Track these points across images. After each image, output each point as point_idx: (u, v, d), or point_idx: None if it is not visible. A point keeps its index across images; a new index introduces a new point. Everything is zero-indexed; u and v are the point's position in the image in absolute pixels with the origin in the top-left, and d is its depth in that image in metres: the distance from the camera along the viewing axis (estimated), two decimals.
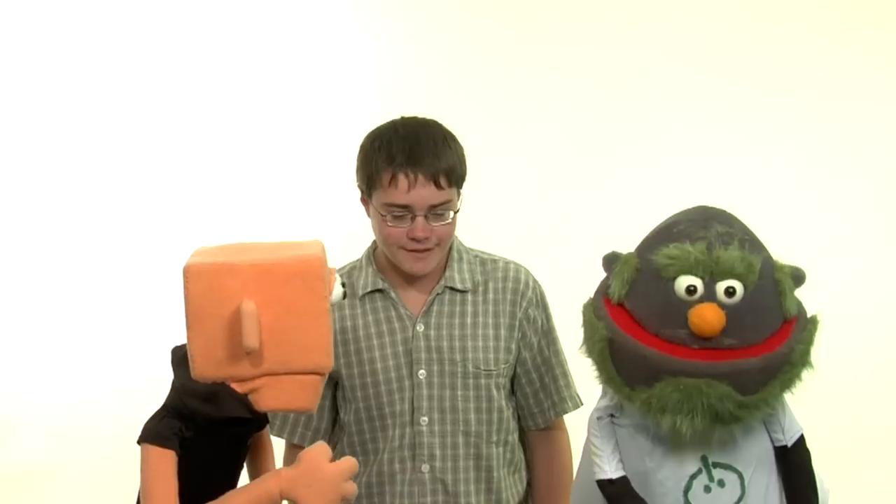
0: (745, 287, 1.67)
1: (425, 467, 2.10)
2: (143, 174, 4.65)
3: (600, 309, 1.76)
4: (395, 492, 2.10)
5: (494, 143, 4.30)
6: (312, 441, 2.13)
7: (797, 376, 1.69)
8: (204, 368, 1.52)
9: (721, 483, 1.75)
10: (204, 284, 1.49)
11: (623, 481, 1.78)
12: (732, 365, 1.64)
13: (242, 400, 1.56)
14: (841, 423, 3.88)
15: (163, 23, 4.67)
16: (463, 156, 2.08)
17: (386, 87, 4.57)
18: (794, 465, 1.78)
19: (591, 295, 1.81)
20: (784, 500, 1.79)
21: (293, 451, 2.16)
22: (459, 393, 2.09)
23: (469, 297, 2.13)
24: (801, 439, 1.79)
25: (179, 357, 1.61)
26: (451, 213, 2.03)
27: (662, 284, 1.70)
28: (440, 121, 2.11)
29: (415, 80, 4.56)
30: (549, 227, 4.46)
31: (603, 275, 1.82)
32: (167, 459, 1.56)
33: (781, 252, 1.78)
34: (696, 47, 4.71)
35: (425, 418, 2.09)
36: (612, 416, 1.83)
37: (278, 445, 1.98)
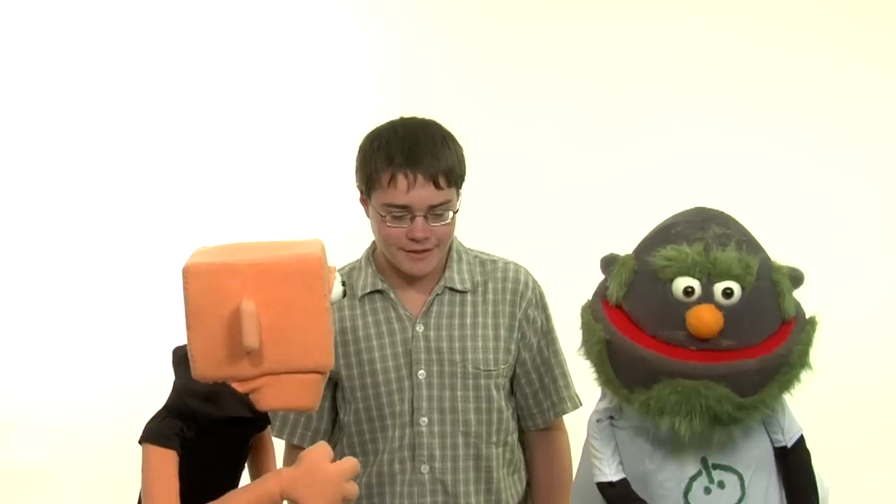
0: (743, 288, 1.67)
1: (425, 468, 2.10)
2: (144, 175, 4.65)
3: (598, 311, 1.76)
4: (395, 492, 2.10)
5: (494, 143, 4.30)
6: (312, 442, 2.14)
7: (796, 377, 1.69)
8: (204, 368, 1.52)
9: (721, 484, 1.75)
10: (203, 284, 1.49)
11: (623, 483, 1.78)
12: (730, 366, 1.64)
13: (243, 400, 1.56)
14: (841, 423, 3.88)
15: (163, 23, 4.67)
16: (462, 156, 2.08)
17: (386, 87, 4.57)
18: (794, 465, 1.78)
19: (590, 297, 1.81)
20: (784, 501, 1.79)
21: (293, 451, 2.16)
22: (459, 393, 2.09)
23: (469, 297, 2.13)
24: (801, 440, 1.79)
25: (180, 357, 1.61)
26: (451, 214, 2.03)
27: (660, 286, 1.70)
28: (440, 121, 2.11)
29: (415, 80, 4.56)
30: (549, 227, 4.46)
31: (601, 277, 1.82)
32: (168, 459, 1.56)
33: (781, 252, 1.78)
34: (696, 47, 4.71)
35: (425, 419, 2.09)
36: (611, 418, 1.83)
37: (279, 446, 1.98)
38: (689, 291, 1.67)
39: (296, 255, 1.53)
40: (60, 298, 4.58)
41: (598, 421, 1.83)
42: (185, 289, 1.49)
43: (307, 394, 1.56)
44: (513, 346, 2.14)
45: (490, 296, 2.14)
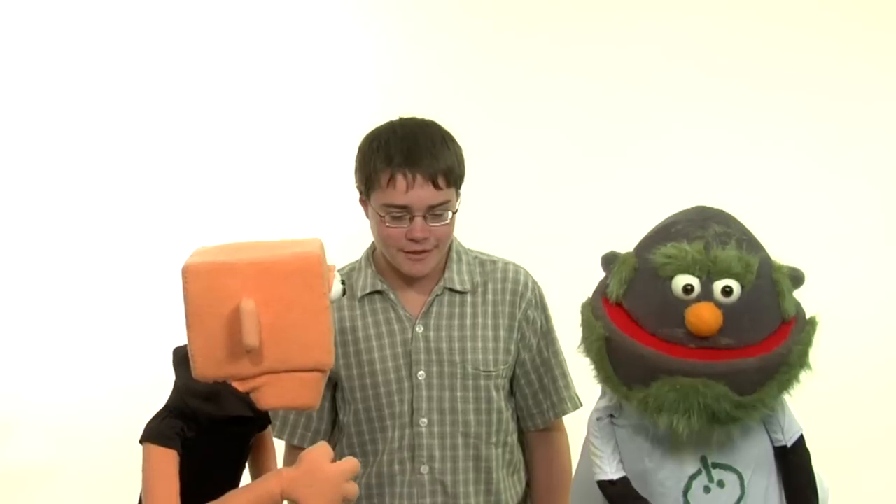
0: (743, 287, 1.67)
1: (424, 468, 2.10)
2: (144, 175, 4.65)
3: (598, 308, 1.76)
4: (395, 493, 2.10)
5: (494, 143, 4.30)
6: (312, 442, 2.14)
7: (795, 377, 1.69)
8: (205, 368, 1.52)
9: (721, 483, 1.75)
10: (203, 284, 1.49)
11: (624, 482, 1.78)
12: (729, 365, 1.64)
13: (244, 399, 1.56)
14: (841, 423, 3.88)
15: (163, 23, 4.67)
16: (461, 156, 2.08)
17: (386, 87, 4.57)
18: (793, 465, 1.78)
19: (590, 295, 1.82)
20: (784, 501, 1.79)
21: (293, 452, 2.16)
22: (459, 394, 2.09)
23: (468, 298, 2.13)
24: (801, 439, 1.79)
25: (180, 357, 1.61)
26: (450, 214, 2.03)
27: (660, 283, 1.70)
28: (440, 121, 2.11)
29: (415, 80, 4.57)
30: (549, 227, 4.46)
31: (602, 275, 1.82)
32: (169, 459, 1.56)
33: (781, 252, 1.78)
34: (697, 47, 4.71)
35: (424, 419, 2.09)
36: (611, 416, 1.83)
37: (280, 446, 1.98)
38: (688, 289, 1.67)
39: (295, 253, 1.53)
40: (60, 298, 4.58)
41: (598, 419, 1.83)
42: (185, 288, 1.49)
43: (308, 392, 1.56)
44: (512, 347, 2.14)
45: (490, 296, 2.14)
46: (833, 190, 4.71)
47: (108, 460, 3.80)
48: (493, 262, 2.18)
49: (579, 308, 1.80)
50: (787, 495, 1.78)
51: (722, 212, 1.78)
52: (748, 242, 1.72)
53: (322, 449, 1.61)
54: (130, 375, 4.28)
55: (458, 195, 2.07)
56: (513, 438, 2.19)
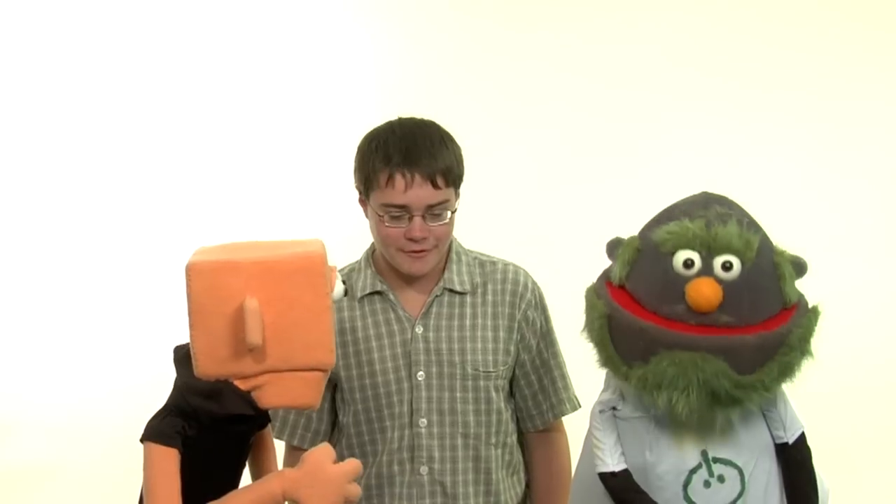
0: (743, 264, 1.68)
1: (424, 469, 2.10)
2: (144, 174, 4.65)
3: (601, 289, 1.78)
4: (394, 493, 2.10)
5: (494, 143, 4.30)
6: (312, 443, 2.14)
7: (795, 362, 1.69)
8: (207, 366, 1.52)
9: (721, 478, 1.75)
10: (206, 282, 1.49)
11: (625, 474, 1.79)
12: (728, 340, 1.65)
13: (245, 397, 1.57)
14: (841, 422, 3.88)
15: (163, 23, 4.67)
16: (460, 156, 2.08)
17: (386, 88, 4.57)
18: (794, 462, 1.79)
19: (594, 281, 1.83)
20: (784, 498, 1.79)
21: (293, 453, 2.17)
22: (458, 395, 2.09)
23: (468, 298, 2.13)
24: (802, 437, 1.79)
25: (182, 355, 1.61)
26: (449, 214, 2.03)
27: (661, 260, 1.71)
28: (439, 121, 2.11)
29: (415, 80, 4.57)
30: (549, 227, 4.46)
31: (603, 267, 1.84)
32: (170, 458, 1.57)
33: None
34: (696, 47, 4.71)
35: (424, 420, 2.09)
36: (613, 409, 1.83)
37: (280, 446, 1.98)
38: (688, 264, 1.69)
39: (298, 253, 1.54)
40: (60, 298, 4.58)
41: (600, 412, 1.84)
42: (188, 287, 1.50)
43: (309, 391, 1.56)
44: (512, 348, 2.14)
45: (489, 297, 2.14)
46: (833, 190, 4.71)
47: (108, 460, 3.80)
48: (493, 262, 2.18)
49: (578, 311, 1.81)
50: (788, 492, 1.79)
51: (725, 197, 1.80)
52: (749, 223, 1.74)
53: (324, 450, 1.61)
54: (130, 375, 4.28)
55: (457, 195, 2.07)
56: (512, 439, 2.19)
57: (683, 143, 4.64)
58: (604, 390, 1.87)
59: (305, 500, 1.56)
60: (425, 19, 4.69)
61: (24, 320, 4.56)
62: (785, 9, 4.73)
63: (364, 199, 2.08)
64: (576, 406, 2.24)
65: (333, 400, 2.17)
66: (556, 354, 2.22)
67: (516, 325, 2.14)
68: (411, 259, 2.04)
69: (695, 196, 1.81)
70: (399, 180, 1.98)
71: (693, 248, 1.69)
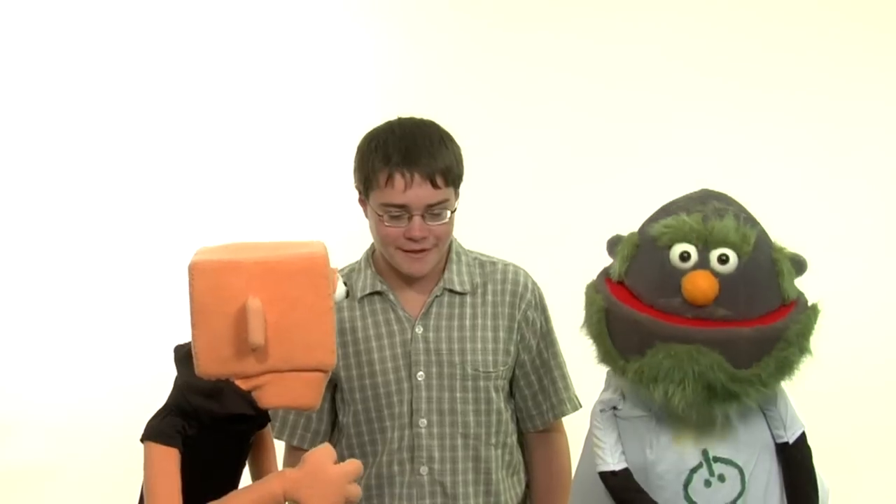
0: (740, 257, 1.69)
1: (424, 469, 2.10)
2: (144, 174, 4.65)
3: (600, 285, 1.79)
4: (394, 494, 2.11)
5: (493, 143, 4.29)
6: (312, 443, 2.14)
7: (793, 358, 1.69)
8: (208, 365, 1.53)
9: (721, 478, 1.75)
10: (209, 282, 1.50)
11: (626, 473, 1.79)
12: (724, 332, 1.65)
13: (246, 397, 1.57)
14: (841, 422, 3.88)
15: (163, 23, 4.67)
16: (460, 155, 2.08)
17: (386, 88, 4.57)
18: (794, 462, 1.79)
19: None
20: (784, 497, 1.79)
21: (293, 453, 2.17)
22: (458, 395, 2.09)
23: (468, 299, 2.13)
24: (803, 437, 1.80)
25: (182, 355, 1.62)
26: (448, 213, 2.04)
27: (658, 254, 1.72)
28: (439, 121, 2.12)
29: (414, 80, 4.56)
30: (549, 227, 4.46)
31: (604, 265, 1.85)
32: (170, 457, 1.57)
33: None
34: (697, 47, 4.70)
35: (424, 420, 2.09)
36: (614, 408, 1.83)
37: (280, 446, 1.98)
38: (684, 257, 1.69)
39: (301, 253, 1.54)
40: (60, 298, 4.57)
41: (601, 411, 1.84)
42: (191, 286, 1.50)
43: (309, 392, 1.57)
44: (512, 348, 2.14)
45: (489, 297, 2.14)
46: (833, 190, 4.70)
47: (108, 460, 3.79)
48: (493, 263, 2.18)
49: (582, 299, 1.82)
50: (788, 492, 1.79)
51: (724, 194, 1.81)
52: (747, 218, 1.75)
53: (325, 450, 1.61)
54: (130, 375, 4.28)
55: (456, 195, 2.07)
56: (512, 439, 2.19)
57: (683, 143, 4.64)
58: (604, 390, 1.87)
59: (306, 501, 1.56)
60: (425, 19, 4.69)
61: (24, 320, 4.55)
62: (785, 9, 4.73)
63: (364, 199, 2.08)
64: (576, 406, 2.24)
65: (333, 400, 2.17)
66: (556, 355, 2.22)
67: (516, 325, 2.14)
68: (410, 259, 2.04)
69: (694, 192, 1.82)
70: (398, 180, 1.98)
71: (689, 242, 1.70)
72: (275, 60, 4.74)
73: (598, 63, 4.70)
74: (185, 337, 1.57)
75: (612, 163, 4.64)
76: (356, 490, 1.60)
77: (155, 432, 1.58)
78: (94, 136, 4.67)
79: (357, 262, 2.18)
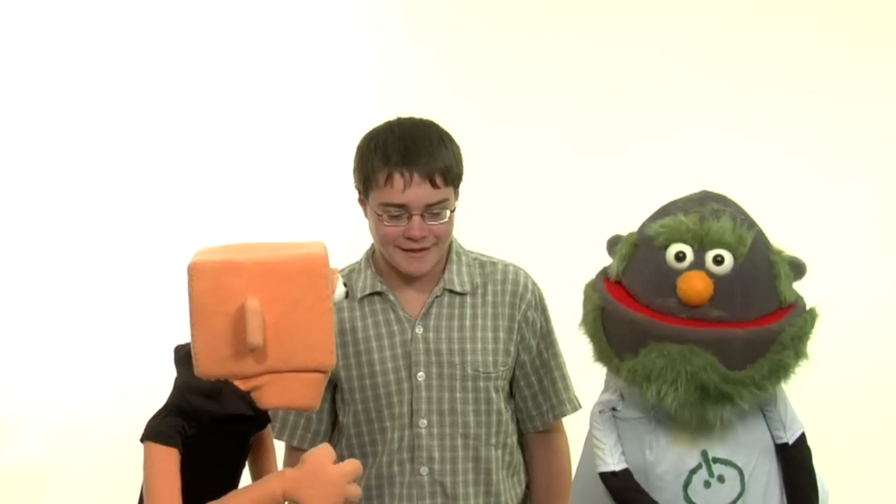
0: (735, 258, 1.69)
1: (424, 469, 2.10)
2: (144, 174, 4.65)
3: (598, 284, 1.80)
4: (394, 494, 2.11)
5: (493, 143, 4.29)
6: (312, 443, 2.14)
7: (788, 360, 1.69)
8: (207, 366, 1.53)
9: (721, 478, 1.75)
10: (208, 282, 1.50)
11: (626, 474, 1.79)
12: (717, 333, 1.66)
13: (245, 397, 1.57)
14: (841, 422, 3.87)
15: (162, 23, 4.67)
16: (459, 155, 2.08)
17: (386, 87, 4.57)
18: (794, 462, 1.79)
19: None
20: (784, 498, 1.79)
21: (293, 453, 2.17)
22: (458, 395, 2.09)
23: (468, 299, 2.13)
24: (803, 437, 1.80)
25: (182, 355, 1.62)
26: (448, 213, 2.04)
27: (655, 254, 1.72)
28: (439, 121, 2.12)
29: (414, 81, 4.56)
30: (549, 228, 4.46)
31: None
32: (170, 457, 1.57)
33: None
34: (697, 47, 4.70)
35: (424, 420, 2.09)
36: (613, 409, 1.83)
37: (280, 446, 1.98)
38: (680, 257, 1.69)
39: (300, 254, 1.54)
40: (60, 298, 4.57)
41: (600, 412, 1.84)
42: (190, 286, 1.50)
43: (309, 393, 1.57)
44: (512, 349, 2.14)
45: (489, 298, 2.14)
46: (833, 190, 4.70)
47: (108, 460, 3.79)
48: (493, 263, 2.18)
49: (578, 310, 1.81)
50: (788, 493, 1.79)
51: (723, 195, 1.81)
52: (744, 219, 1.75)
53: (325, 450, 1.61)
54: (130, 375, 4.27)
55: (456, 194, 2.07)
56: (512, 440, 2.19)
57: (683, 143, 4.64)
58: (604, 391, 1.87)
59: (305, 501, 1.56)
60: (425, 19, 4.69)
61: (24, 320, 4.55)
62: (785, 9, 4.72)
63: (363, 199, 2.09)
64: (576, 406, 2.24)
65: (333, 400, 2.17)
66: (556, 355, 2.22)
67: (516, 325, 2.14)
68: (410, 258, 2.04)
69: (693, 194, 1.82)
70: (398, 179, 1.98)
71: (685, 242, 1.70)
72: (274, 60, 4.73)
73: (598, 63, 4.69)
74: (186, 337, 1.57)
75: (612, 163, 4.63)
76: (356, 490, 1.60)
77: (155, 432, 1.59)
78: (94, 136, 4.67)
79: (357, 263, 2.18)
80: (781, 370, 1.69)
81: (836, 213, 4.69)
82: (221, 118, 4.69)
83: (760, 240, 1.74)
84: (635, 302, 1.73)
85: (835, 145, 4.76)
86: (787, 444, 1.79)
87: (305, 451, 1.90)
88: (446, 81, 4.60)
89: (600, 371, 1.84)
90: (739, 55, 4.70)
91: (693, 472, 1.76)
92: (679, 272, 1.69)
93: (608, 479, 1.80)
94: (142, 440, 1.59)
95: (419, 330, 2.10)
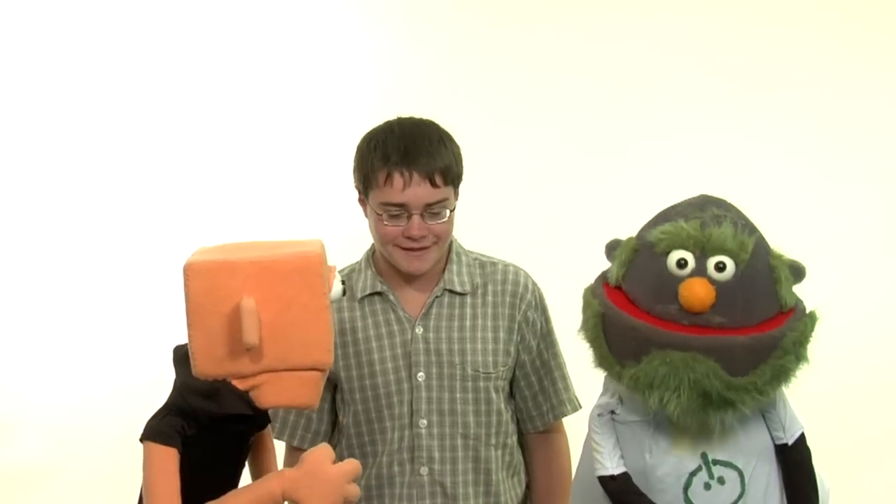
0: (737, 265, 1.69)
1: (424, 470, 2.10)
2: (143, 174, 4.65)
3: (598, 289, 1.80)
4: (394, 494, 2.10)
5: (493, 143, 4.29)
6: (312, 444, 2.14)
7: (790, 365, 1.69)
8: (205, 366, 1.53)
9: (721, 480, 1.75)
10: (204, 282, 1.50)
11: (625, 477, 1.79)
12: (720, 340, 1.66)
13: (243, 397, 1.57)
14: (841, 423, 3.87)
15: (162, 22, 4.67)
16: (459, 155, 2.08)
17: (386, 87, 4.57)
18: (794, 463, 1.79)
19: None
20: (784, 499, 1.79)
21: (294, 454, 2.17)
22: (458, 395, 2.09)
23: (468, 299, 2.13)
24: (802, 437, 1.80)
25: (181, 355, 1.62)
26: (448, 212, 2.04)
27: (656, 260, 1.72)
28: (439, 121, 2.12)
29: (414, 80, 4.56)
30: (549, 227, 4.46)
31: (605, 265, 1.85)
32: (169, 457, 1.57)
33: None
34: (697, 47, 4.70)
35: (424, 421, 2.09)
36: (612, 412, 1.83)
37: (280, 447, 1.98)
38: (682, 264, 1.69)
39: (296, 253, 1.54)
40: (60, 298, 4.57)
41: (599, 415, 1.84)
42: (186, 287, 1.50)
43: (307, 391, 1.56)
44: (512, 349, 2.14)
45: (490, 298, 2.14)
46: (833, 190, 4.70)
47: (108, 460, 3.79)
48: (493, 263, 2.18)
49: (579, 310, 1.81)
50: (788, 493, 1.79)
51: (724, 200, 1.81)
52: (745, 225, 1.74)
53: (323, 450, 1.61)
54: (130, 375, 4.27)
55: (456, 194, 2.07)
56: (513, 440, 2.19)
57: (683, 144, 4.64)
58: (602, 394, 1.87)
59: (304, 500, 1.56)
60: (425, 19, 4.69)
61: (24, 320, 4.55)
62: (785, 9, 4.72)
63: (363, 199, 2.09)
64: (576, 407, 2.24)
65: (334, 400, 2.17)
66: (556, 355, 2.22)
67: (516, 325, 2.14)
68: (410, 256, 2.04)
69: (693, 198, 1.82)
70: (397, 179, 1.98)
71: (687, 249, 1.70)
72: (275, 60, 4.73)
73: (598, 63, 4.69)
74: (185, 338, 1.57)
75: (612, 163, 4.63)
76: (355, 490, 1.60)
77: (154, 432, 1.59)
78: (93, 136, 4.67)
79: (357, 263, 2.18)
80: (783, 375, 1.69)
81: (835, 213, 4.69)
82: (222, 118, 4.69)
83: (761, 245, 1.74)
84: (636, 308, 1.72)
85: (835, 145, 4.76)
86: (786, 444, 1.79)
87: (306, 451, 1.90)
88: (446, 81, 4.60)
89: (600, 372, 1.84)
90: (739, 55, 4.71)
91: (693, 474, 1.76)
92: (680, 279, 1.69)
93: (607, 482, 1.80)
94: (141, 440, 1.60)
95: (419, 330, 2.10)
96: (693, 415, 1.67)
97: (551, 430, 2.23)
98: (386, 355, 2.10)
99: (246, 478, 1.73)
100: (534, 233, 4.35)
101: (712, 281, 1.68)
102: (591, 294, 1.80)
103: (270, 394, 1.55)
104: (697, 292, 1.66)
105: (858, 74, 4.76)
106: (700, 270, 1.69)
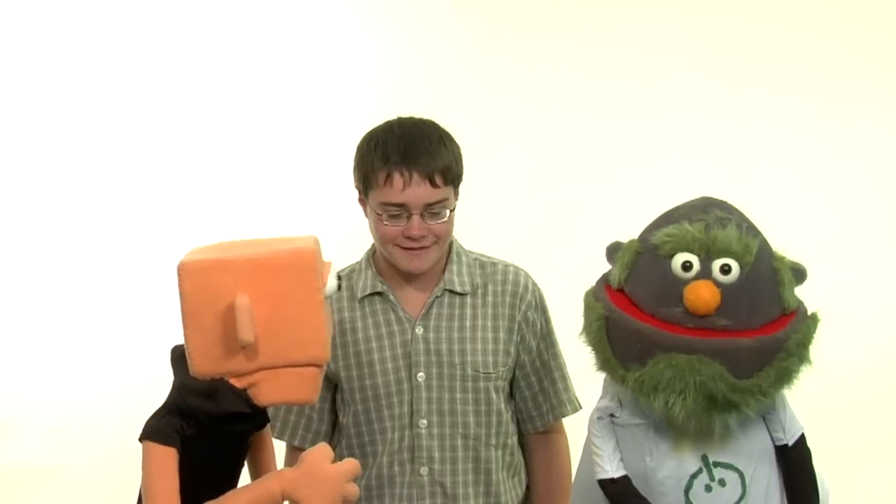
0: (742, 267, 1.69)
1: (424, 470, 2.10)
2: (142, 175, 4.65)
3: (600, 292, 1.79)
4: (394, 494, 2.10)
5: (493, 143, 4.30)
6: (312, 443, 2.13)
7: (793, 367, 1.69)
8: (202, 365, 1.53)
9: (722, 482, 1.75)
10: (197, 281, 1.50)
11: (625, 480, 1.79)
12: (725, 343, 1.65)
13: (242, 395, 1.57)
14: (841, 423, 3.88)
15: (162, 23, 4.67)
16: (459, 155, 2.08)
17: (386, 88, 4.57)
18: (794, 463, 1.79)
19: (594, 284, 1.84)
20: (785, 499, 1.79)
21: (294, 453, 2.17)
22: (458, 396, 2.09)
23: (468, 299, 2.12)
24: (802, 438, 1.80)
25: (179, 355, 1.62)
26: (448, 212, 2.03)
27: (660, 263, 1.72)
28: (439, 121, 2.11)
29: (414, 80, 4.57)
30: (549, 228, 4.46)
31: (605, 268, 1.84)
32: (169, 457, 1.57)
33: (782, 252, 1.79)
34: (697, 47, 4.71)
35: (424, 421, 2.09)
36: (612, 415, 1.83)
37: (280, 447, 1.98)
38: (687, 266, 1.69)
39: (288, 249, 1.54)
40: (60, 298, 4.58)
41: (598, 418, 1.84)
42: (180, 286, 1.50)
43: (305, 387, 1.56)
44: (512, 349, 2.14)
45: (490, 298, 2.14)
46: (833, 190, 4.71)
47: (108, 460, 3.80)
48: (494, 263, 2.18)
49: (579, 310, 1.81)
50: (788, 494, 1.79)
51: (725, 202, 1.81)
52: (749, 227, 1.74)
53: (323, 450, 1.61)
54: (130, 375, 4.28)
55: (456, 194, 2.07)
56: (513, 440, 2.19)
57: (683, 143, 4.65)
58: (602, 397, 1.87)
59: (304, 500, 1.56)
60: (425, 19, 4.70)
61: (24, 320, 4.56)
62: (785, 9, 4.73)
63: (363, 199, 2.08)
64: (576, 407, 2.23)
65: (334, 400, 2.17)
66: (556, 356, 2.21)
67: (516, 326, 2.14)
68: (410, 255, 2.04)
69: (695, 200, 1.82)
70: (397, 179, 1.98)
71: (692, 251, 1.70)
72: (275, 60, 4.74)
73: (598, 63, 4.70)
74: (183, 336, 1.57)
75: (612, 163, 4.64)
76: (354, 489, 1.60)
77: (153, 432, 1.59)
78: (93, 137, 4.67)
79: (357, 263, 2.18)
80: (787, 377, 1.69)
81: (836, 213, 4.70)
82: (222, 118, 4.70)
83: (764, 247, 1.74)
84: (639, 311, 1.72)
85: (835, 145, 4.77)
86: (786, 445, 1.79)
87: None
88: (446, 81, 4.61)
89: (600, 373, 1.84)
90: (739, 55, 4.71)
91: (694, 476, 1.76)
92: (685, 281, 1.68)
93: (607, 486, 1.80)
94: (140, 440, 1.60)
95: (419, 330, 2.10)
96: (697, 417, 1.67)
97: (551, 431, 2.23)
98: (386, 355, 2.10)
99: (245, 478, 1.73)
100: (534, 233, 4.35)
101: (717, 284, 1.67)
102: (593, 297, 1.79)
103: (268, 391, 1.55)
104: (703, 295, 1.66)
105: (858, 74, 4.76)
106: (705, 273, 1.69)
